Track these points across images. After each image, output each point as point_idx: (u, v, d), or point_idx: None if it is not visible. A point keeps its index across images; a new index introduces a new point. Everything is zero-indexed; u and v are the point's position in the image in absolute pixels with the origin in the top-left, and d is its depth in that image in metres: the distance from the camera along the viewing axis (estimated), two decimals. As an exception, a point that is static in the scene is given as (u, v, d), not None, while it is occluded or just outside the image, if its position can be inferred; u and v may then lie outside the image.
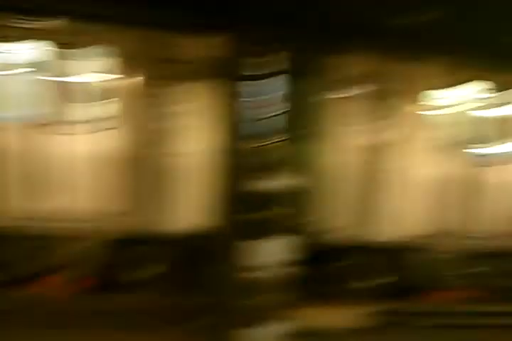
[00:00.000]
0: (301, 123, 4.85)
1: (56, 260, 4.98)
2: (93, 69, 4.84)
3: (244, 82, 4.55)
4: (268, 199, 4.55)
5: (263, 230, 4.54)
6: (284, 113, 4.47)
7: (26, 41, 4.68)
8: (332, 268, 5.34)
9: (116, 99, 4.90)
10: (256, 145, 5.41)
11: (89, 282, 5.06)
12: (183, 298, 4.73)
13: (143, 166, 5.00)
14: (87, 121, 4.86)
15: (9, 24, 4.51)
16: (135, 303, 4.66)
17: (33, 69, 4.75)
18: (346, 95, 5.41)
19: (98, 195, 4.97)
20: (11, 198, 4.78)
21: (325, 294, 5.08)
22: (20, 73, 4.74)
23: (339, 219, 5.45)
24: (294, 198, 4.64)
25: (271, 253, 4.54)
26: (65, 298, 4.80)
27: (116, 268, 5.02)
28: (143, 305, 4.63)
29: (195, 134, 4.98)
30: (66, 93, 4.80)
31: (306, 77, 4.70)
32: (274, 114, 4.65)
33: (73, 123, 4.84)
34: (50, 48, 4.73)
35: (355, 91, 5.43)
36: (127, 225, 4.95)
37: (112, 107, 4.93)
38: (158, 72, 4.83)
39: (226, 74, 4.64)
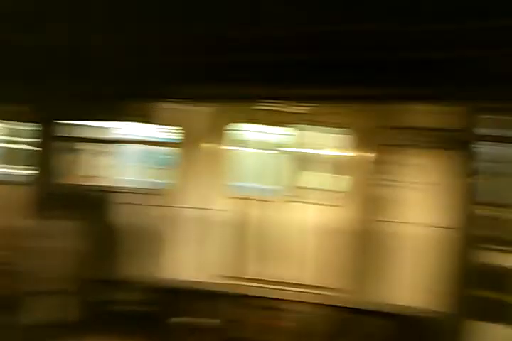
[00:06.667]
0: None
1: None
2: (328, 145, 5.17)
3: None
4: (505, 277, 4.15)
5: (497, 312, 4.13)
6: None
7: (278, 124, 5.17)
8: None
9: (346, 174, 5.01)
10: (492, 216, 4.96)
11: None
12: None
13: (367, 240, 4.85)
14: (319, 191, 5.00)
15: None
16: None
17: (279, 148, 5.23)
18: None
19: (321, 267, 4.94)
20: (243, 261, 5.01)
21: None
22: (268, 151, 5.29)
23: None
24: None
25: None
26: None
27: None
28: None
29: (422, 206, 4.72)
30: (303, 163, 5.06)
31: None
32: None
33: (307, 191, 5.02)
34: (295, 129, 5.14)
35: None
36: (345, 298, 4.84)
37: (341, 181, 5.03)
38: (390, 142, 4.79)
39: (459, 145, 4.47)
